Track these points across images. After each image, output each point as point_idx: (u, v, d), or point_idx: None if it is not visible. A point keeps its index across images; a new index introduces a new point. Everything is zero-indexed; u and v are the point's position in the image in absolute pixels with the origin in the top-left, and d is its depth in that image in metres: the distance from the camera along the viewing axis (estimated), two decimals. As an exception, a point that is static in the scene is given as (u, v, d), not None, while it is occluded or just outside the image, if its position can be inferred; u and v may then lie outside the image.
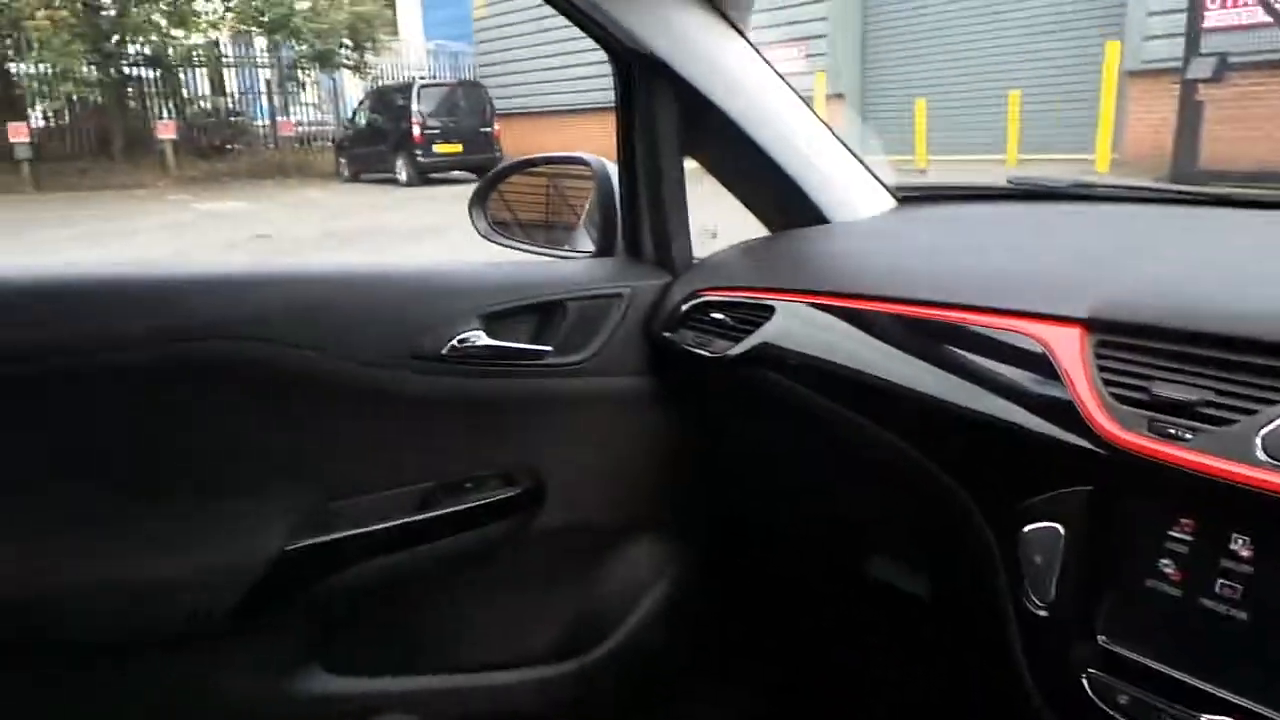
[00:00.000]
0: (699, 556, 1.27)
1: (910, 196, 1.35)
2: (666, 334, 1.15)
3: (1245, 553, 0.61)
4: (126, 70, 14.75)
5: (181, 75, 15.51)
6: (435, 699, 1.08)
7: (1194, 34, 7.50)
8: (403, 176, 13.22)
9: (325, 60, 15.90)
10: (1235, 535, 0.61)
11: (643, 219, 1.22)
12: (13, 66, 13.93)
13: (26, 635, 0.90)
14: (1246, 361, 0.64)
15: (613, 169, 1.27)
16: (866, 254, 1.09)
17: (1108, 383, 0.69)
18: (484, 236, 1.39)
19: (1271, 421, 0.60)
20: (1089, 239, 0.99)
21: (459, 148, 12.80)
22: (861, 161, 1.32)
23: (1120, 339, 0.71)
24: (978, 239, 1.08)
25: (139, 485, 0.94)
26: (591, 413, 1.17)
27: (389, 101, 14.13)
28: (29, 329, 0.89)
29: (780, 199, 1.24)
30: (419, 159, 12.93)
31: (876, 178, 1.33)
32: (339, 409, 1.03)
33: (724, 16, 1.10)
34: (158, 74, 15.15)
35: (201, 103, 16.19)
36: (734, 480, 1.24)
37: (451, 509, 1.08)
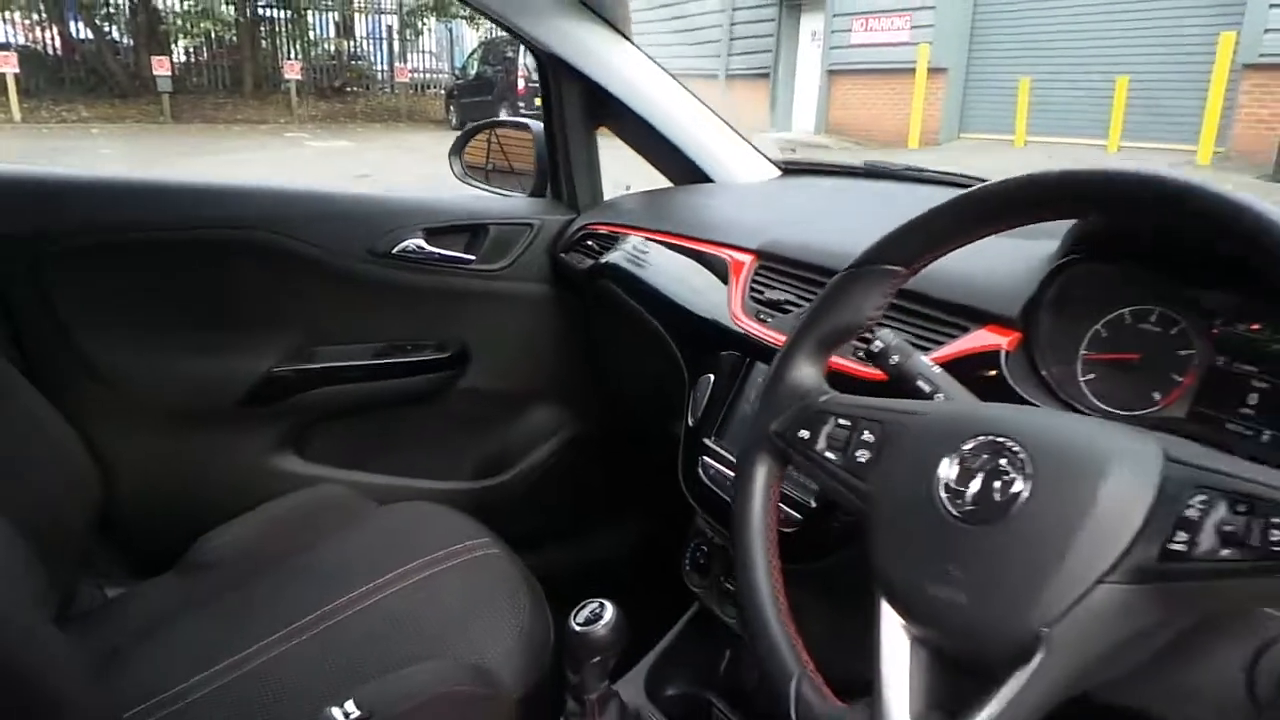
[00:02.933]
0: (581, 421, 1.70)
1: (792, 169, 1.72)
2: (562, 254, 1.57)
3: None
4: (260, 10, 15.79)
5: (310, 18, 16.49)
6: (373, 489, 1.55)
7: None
8: (504, 127, 13.80)
9: (442, 10, 16.60)
10: None
11: (560, 171, 1.64)
12: (159, 2, 15.09)
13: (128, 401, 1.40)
14: (807, 277, 1.03)
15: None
16: (689, 204, 1.49)
17: (751, 290, 1.09)
18: (459, 179, 1.83)
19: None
20: (836, 203, 1.36)
21: (559, 103, 13.22)
22: (745, 139, 1.70)
23: (767, 264, 1.11)
24: (780, 199, 1.46)
25: (188, 317, 1.44)
26: (505, 307, 1.60)
27: (499, 53, 14.68)
28: (120, 213, 1.38)
29: (673, 164, 1.63)
30: (521, 111, 13.50)
31: (761, 153, 1.71)
32: (319, 283, 1.47)
33: (612, 27, 1.50)
34: (288, 15, 16.16)
35: (326, 45, 17.18)
36: (600, 363, 1.66)
37: (395, 359, 1.55)
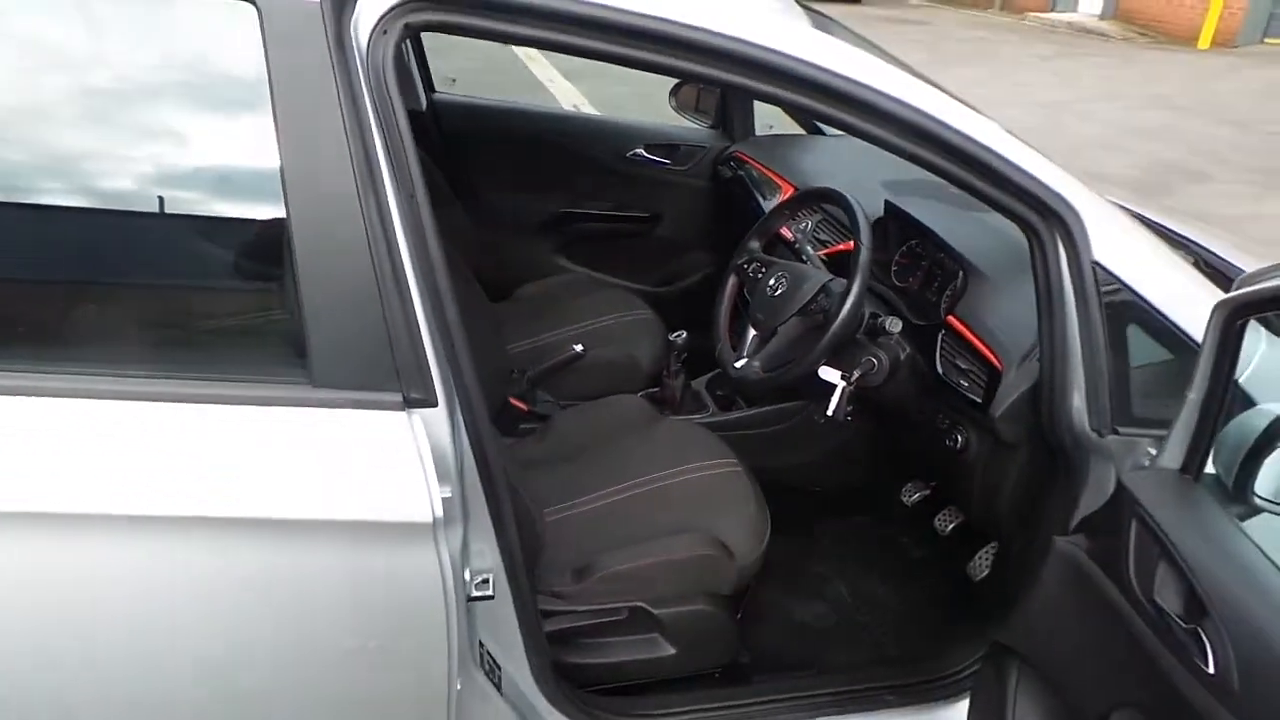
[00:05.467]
0: (709, 250, 2.87)
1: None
2: (719, 166, 2.74)
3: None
4: None
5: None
6: (601, 282, 2.82)
7: None
8: None
9: None
10: None
11: (726, 114, 2.77)
12: None
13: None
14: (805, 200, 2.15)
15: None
16: (785, 151, 2.57)
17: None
18: (675, 111, 3.00)
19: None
20: (861, 161, 2.41)
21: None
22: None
23: (796, 194, 2.23)
24: (836, 155, 2.53)
25: (527, 178, 2.75)
26: (684, 193, 2.77)
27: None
28: (506, 124, 2.77)
29: (797, 117, 2.73)
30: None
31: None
32: (589, 169, 2.73)
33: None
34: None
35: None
36: (732, 231, 2.82)
37: (621, 213, 2.83)
